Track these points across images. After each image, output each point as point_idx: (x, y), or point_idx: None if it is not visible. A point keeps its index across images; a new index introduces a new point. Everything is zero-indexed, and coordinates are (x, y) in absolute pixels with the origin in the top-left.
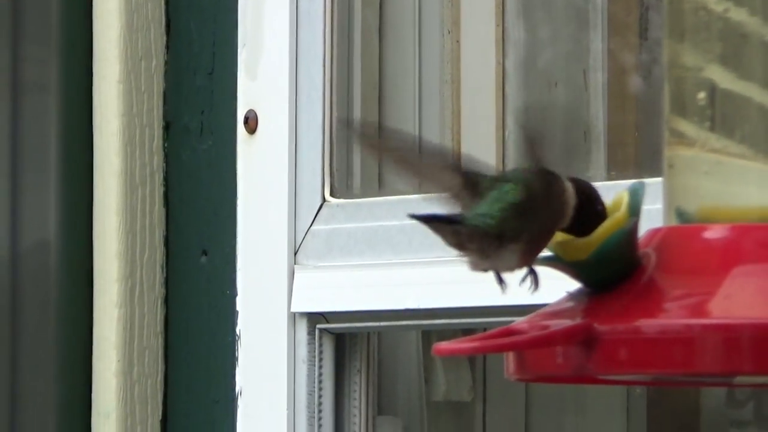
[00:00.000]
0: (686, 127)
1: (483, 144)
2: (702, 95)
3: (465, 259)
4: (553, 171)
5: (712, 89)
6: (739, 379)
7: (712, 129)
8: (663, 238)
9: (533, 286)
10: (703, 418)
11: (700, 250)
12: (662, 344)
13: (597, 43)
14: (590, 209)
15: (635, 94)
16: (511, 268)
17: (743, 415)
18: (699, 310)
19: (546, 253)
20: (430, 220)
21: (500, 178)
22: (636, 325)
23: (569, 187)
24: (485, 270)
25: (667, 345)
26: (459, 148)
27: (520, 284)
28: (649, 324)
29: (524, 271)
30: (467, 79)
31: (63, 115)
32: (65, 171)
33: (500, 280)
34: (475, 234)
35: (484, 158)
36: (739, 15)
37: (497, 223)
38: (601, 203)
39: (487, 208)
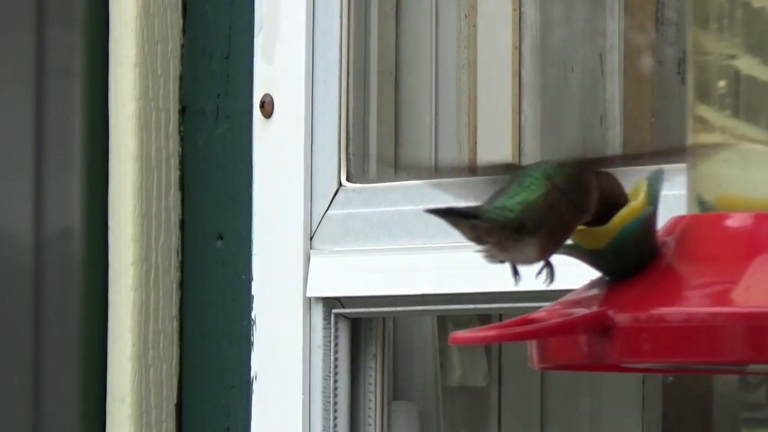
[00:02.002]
0: (708, 114)
1: (499, 128)
2: (724, 82)
3: (482, 251)
4: (584, 166)
5: (736, 77)
6: (752, 367)
7: (734, 116)
8: (685, 226)
9: (549, 279)
10: (716, 402)
11: (721, 238)
12: (682, 332)
13: (613, 27)
14: (612, 205)
15: (651, 77)
16: (529, 261)
17: (756, 399)
18: (720, 298)
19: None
20: (447, 214)
21: (524, 171)
22: (655, 313)
23: (593, 182)
24: (502, 262)
25: (687, 333)
26: (474, 132)
27: (536, 277)
28: (668, 312)
29: (541, 264)
30: (483, 64)
31: (87, 99)
32: (89, 156)
33: (515, 272)
34: (493, 228)
35: (500, 143)
36: (762, 2)
37: (516, 216)
38: (625, 198)
39: (506, 201)
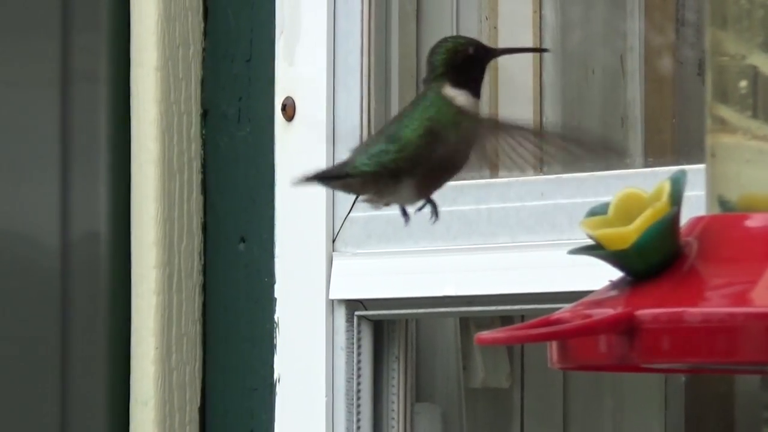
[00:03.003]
0: (728, 114)
1: None
2: (744, 83)
3: (364, 200)
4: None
5: (755, 77)
6: None
7: (754, 117)
8: (705, 226)
9: (434, 217)
10: (737, 402)
11: (743, 239)
12: (704, 333)
13: (633, 28)
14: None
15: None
16: (410, 201)
17: None
18: (742, 298)
19: (587, 242)
20: (320, 180)
21: (408, 107)
22: (677, 314)
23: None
24: (386, 205)
25: (709, 333)
26: None
27: (415, 213)
28: (691, 312)
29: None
30: (504, 66)
31: (112, 103)
32: (114, 160)
33: (404, 212)
34: (367, 181)
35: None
36: None
37: (393, 161)
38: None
39: (372, 151)
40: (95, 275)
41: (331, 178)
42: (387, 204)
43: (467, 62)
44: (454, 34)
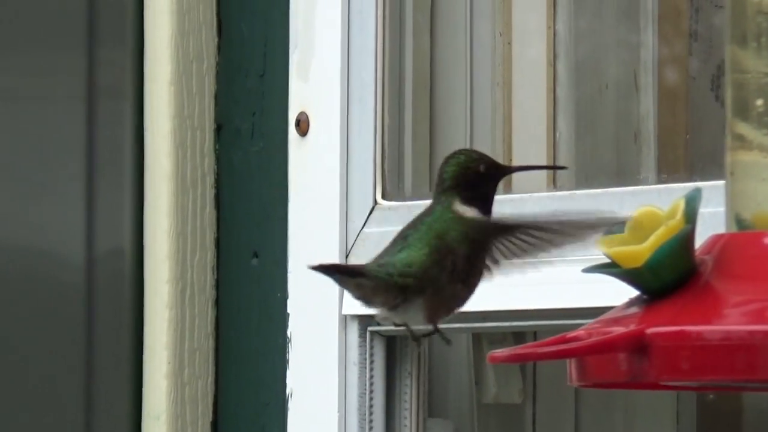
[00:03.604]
0: (746, 132)
1: (534, 145)
2: (761, 101)
3: (374, 312)
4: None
5: None
6: None
7: None
8: (724, 244)
9: (446, 342)
10: (748, 417)
11: (758, 257)
12: (718, 350)
13: (647, 43)
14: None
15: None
16: (419, 324)
17: None
18: (755, 316)
19: (602, 258)
20: (332, 272)
21: (418, 222)
22: (692, 332)
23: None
24: (396, 325)
25: (724, 351)
26: (509, 148)
27: (418, 345)
28: (705, 330)
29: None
30: (518, 81)
31: (137, 119)
32: (138, 176)
33: (413, 337)
34: (378, 287)
35: (534, 159)
36: None
37: (399, 274)
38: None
39: (391, 258)
40: (119, 291)
41: (345, 273)
42: (399, 324)
43: (478, 179)
44: (468, 147)
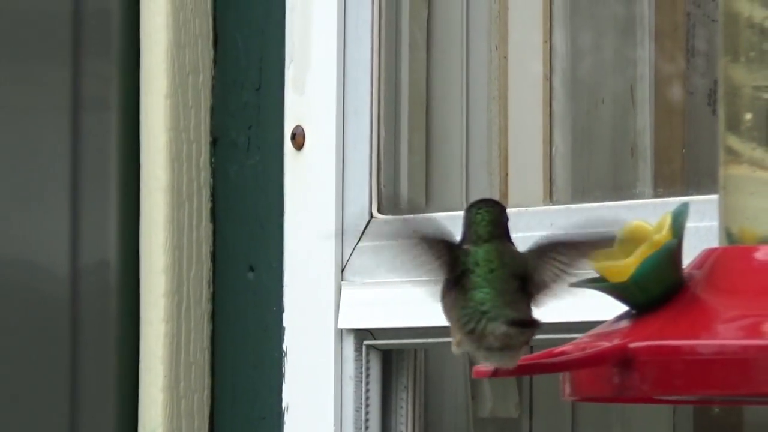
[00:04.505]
0: (738, 146)
1: (530, 159)
2: (749, 115)
3: (475, 355)
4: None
5: (765, 109)
6: None
7: (763, 149)
8: (716, 258)
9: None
10: (745, 430)
11: (746, 271)
12: (702, 365)
13: (643, 58)
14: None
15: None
16: (509, 366)
17: None
18: (745, 330)
19: (591, 274)
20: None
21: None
22: (674, 346)
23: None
24: (479, 358)
25: (707, 365)
26: (506, 163)
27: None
28: (687, 345)
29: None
30: (514, 95)
31: (122, 131)
32: (124, 188)
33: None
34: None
35: (531, 173)
36: None
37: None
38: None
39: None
40: (105, 303)
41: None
42: (491, 375)
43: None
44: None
